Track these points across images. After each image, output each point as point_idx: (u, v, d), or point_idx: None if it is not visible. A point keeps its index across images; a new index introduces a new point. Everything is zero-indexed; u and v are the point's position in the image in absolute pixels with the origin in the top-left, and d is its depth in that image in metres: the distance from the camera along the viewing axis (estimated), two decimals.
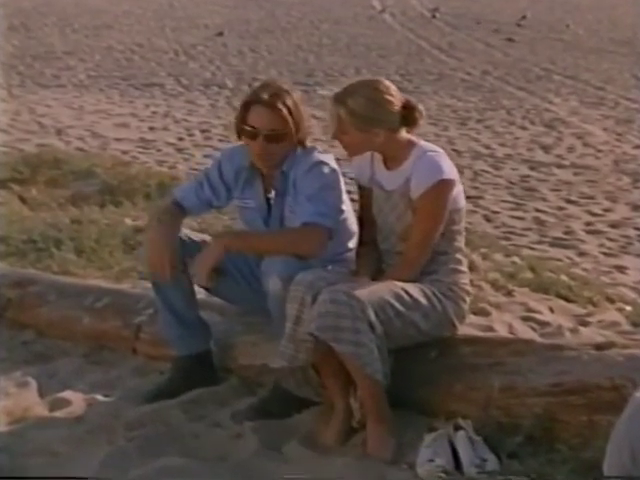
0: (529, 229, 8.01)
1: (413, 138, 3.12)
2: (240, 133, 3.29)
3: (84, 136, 10.98)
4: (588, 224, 8.12)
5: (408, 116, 3.07)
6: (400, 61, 18.04)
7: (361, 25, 24.44)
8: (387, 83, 3.09)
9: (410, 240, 3.07)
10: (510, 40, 21.49)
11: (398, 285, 3.03)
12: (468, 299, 3.17)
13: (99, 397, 3.41)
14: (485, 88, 15.30)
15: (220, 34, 21.84)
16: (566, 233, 7.84)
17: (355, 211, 3.39)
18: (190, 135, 11.30)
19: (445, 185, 3.02)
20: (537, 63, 18.21)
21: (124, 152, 10.06)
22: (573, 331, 3.90)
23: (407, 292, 3.01)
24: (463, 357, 3.07)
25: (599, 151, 11.02)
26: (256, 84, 3.43)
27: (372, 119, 3.03)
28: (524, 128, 12.24)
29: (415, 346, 3.09)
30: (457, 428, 2.86)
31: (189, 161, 9.87)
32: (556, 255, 7.19)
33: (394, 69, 16.95)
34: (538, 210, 8.54)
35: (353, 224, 3.40)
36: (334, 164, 3.30)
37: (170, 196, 3.56)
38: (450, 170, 3.05)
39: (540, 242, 7.62)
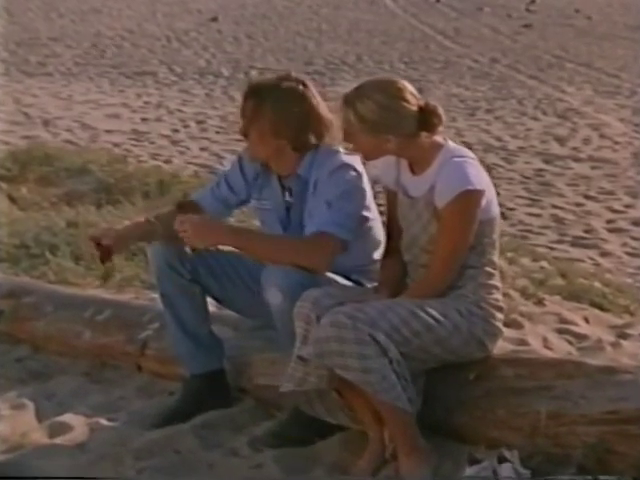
0: (547, 227, 7.92)
1: (439, 139, 2.95)
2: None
3: (73, 127, 10.92)
4: (609, 222, 8.03)
5: (425, 121, 2.90)
6: (404, 48, 17.97)
7: (362, 10, 24.37)
8: (402, 85, 2.92)
9: (435, 254, 2.91)
10: (527, 26, 21.37)
11: (416, 302, 2.87)
12: (500, 316, 3.00)
13: (103, 421, 3.30)
14: (494, 76, 15.20)
15: (214, 19, 21.84)
16: (587, 231, 7.76)
17: (383, 218, 3.24)
18: (185, 127, 11.25)
19: (471, 196, 2.85)
20: (548, 50, 18.13)
21: (116, 144, 9.98)
22: (614, 345, 3.76)
23: (426, 310, 2.85)
24: (505, 380, 2.93)
25: (616, 143, 10.94)
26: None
27: (382, 125, 2.87)
28: (536, 119, 12.15)
29: (450, 367, 2.95)
30: (502, 460, 2.72)
31: (185, 154, 9.81)
32: (578, 256, 7.10)
33: (397, 56, 16.88)
34: (555, 206, 8.46)
35: (379, 233, 3.27)
36: (360, 167, 3.16)
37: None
38: (478, 179, 2.88)
39: (560, 241, 7.54)
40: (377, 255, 3.27)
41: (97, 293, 4.13)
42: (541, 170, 9.70)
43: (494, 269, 2.99)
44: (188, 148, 10.10)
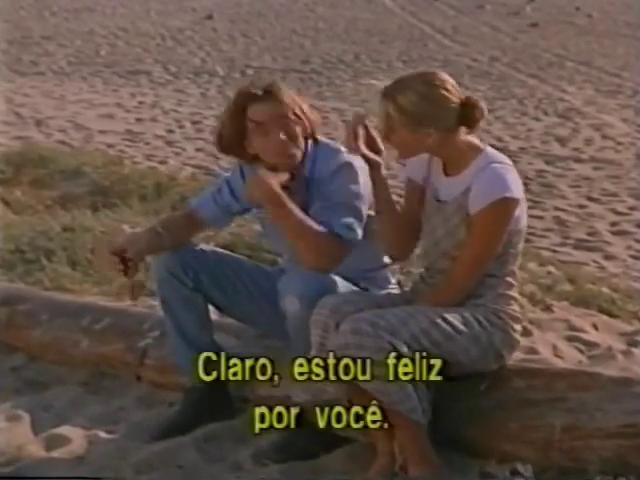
0: (550, 230, 7.88)
1: (478, 143, 2.89)
2: (241, 140, 3.12)
3: (66, 128, 10.88)
4: (613, 224, 7.99)
5: (467, 115, 2.82)
6: (402, 47, 17.94)
7: (359, 8, 24.33)
8: (443, 77, 2.85)
9: (459, 260, 2.86)
10: (533, 25, 21.36)
11: (436, 311, 2.83)
12: (518, 327, 2.95)
13: (101, 433, 3.25)
14: (494, 75, 15.16)
15: (209, 17, 21.80)
16: (590, 234, 7.73)
17: None
18: (180, 127, 11.21)
19: (508, 203, 2.79)
20: (548, 48, 18.09)
21: (109, 145, 9.95)
22: (626, 354, 3.72)
23: (446, 319, 2.81)
24: (517, 391, 2.88)
25: (619, 144, 10.90)
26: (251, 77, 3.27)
27: (424, 117, 2.79)
28: (537, 119, 12.12)
29: (460, 378, 2.90)
30: (514, 473, 2.68)
31: (180, 155, 9.77)
32: (581, 259, 7.07)
33: (396, 55, 16.85)
34: (558, 208, 8.42)
35: None
36: (361, 163, 3.11)
37: (184, 207, 3.46)
38: (516, 187, 2.82)
39: (563, 244, 7.50)
40: (386, 259, 3.24)
41: (95, 300, 4.09)
42: (543, 171, 9.67)
43: (514, 280, 2.95)
44: (184, 149, 10.06)
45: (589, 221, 8.07)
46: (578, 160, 10.14)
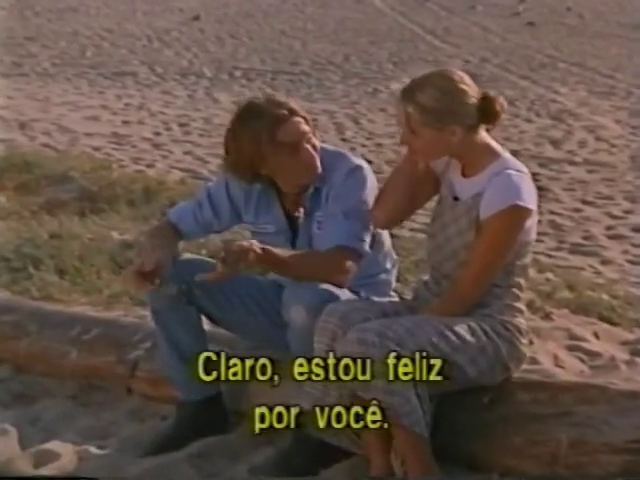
0: (545, 234, 7.85)
1: (497, 147, 2.84)
2: (267, 160, 3.04)
3: (51, 131, 10.81)
4: (609, 228, 7.97)
5: (488, 109, 2.77)
6: (392, 48, 17.94)
7: (348, 8, 24.33)
8: (460, 72, 2.81)
9: (466, 269, 2.82)
10: (531, 24, 21.39)
11: (443, 321, 2.79)
12: (525, 340, 2.92)
13: (92, 449, 3.19)
14: (485, 77, 15.13)
15: (196, 18, 21.77)
16: (585, 238, 7.70)
17: None
18: (167, 129, 11.15)
19: (520, 212, 2.76)
20: (540, 49, 18.11)
21: (95, 148, 9.90)
22: (629, 364, 3.69)
23: (453, 330, 2.78)
24: (522, 405, 2.85)
25: (613, 146, 10.89)
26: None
27: (447, 113, 2.75)
28: (530, 121, 12.10)
29: (463, 391, 2.87)
30: None
31: (168, 158, 9.73)
32: (577, 263, 7.03)
33: (386, 56, 16.85)
34: (552, 212, 8.40)
35: (388, 239, 3.23)
36: (367, 165, 3.13)
37: (164, 217, 3.39)
38: (530, 197, 2.78)
39: (559, 249, 7.47)
40: (389, 264, 3.22)
41: (84, 310, 4.04)
42: (536, 174, 9.62)
43: (521, 292, 2.91)
44: (171, 152, 10.01)
45: (584, 225, 8.04)
46: (572, 163, 10.13)
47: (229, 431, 3.23)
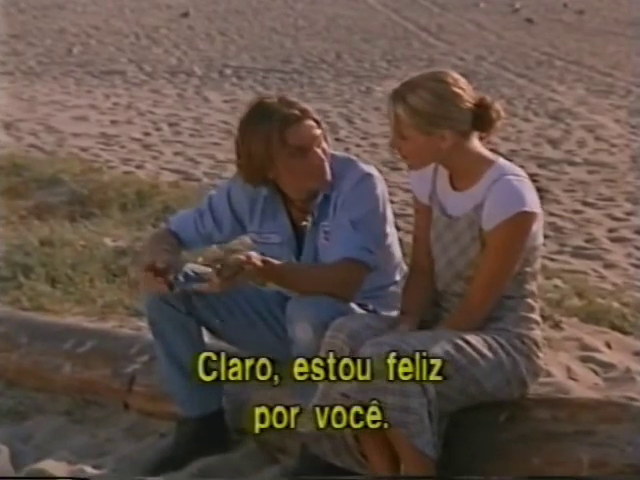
0: (546, 237, 7.75)
1: (489, 154, 2.79)
2: (275, 162, 2.97)
3: (37, 131, 10.78)
4: (611, 230, 7.93)
5: (482, 116, 2.71)
6: (385, 45, 17.96)
7: (340, 5, 24.36)
8: (455, 75, 2.74)
9: (475, 281, 2.76)
10: (529, 21, 21.41)
11: (459, 334, 2.73)
12: (541, 354, 2.87)
13: (87, 468, 3.14)
14: (481, 75, 15.11)
15: (185, 15, 21.80)
16: (587, 241, 7.66)
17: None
18: (157, 129, 11.10)
19: (526, 218, 2.71)
20: (536, 47, 18.11)
21: (83, 149, 9.87)
22: None
23: (470, 343, 2.72)
24: (540, 423, 2.80)
25: (613, 146, 10.88)
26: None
27: (438, 117, 2.68)
28: (528, 120, 12.08)
29: (477, 408, 2.81)
30: None
31: (158, 159, 9.70)
32: (580, 267, 6.98)
33: (379, 54, 16.85)
34: (553, 214, 8.35)
35: (398, 249, 3.17)
36: (377, 173, 3.07)
37: (165, 225, 3.36)
38: (533, 201, 2.75)
39: (560, 252, 7.42)
40: (398, 276, 3.16)
41: (77, 321, 3.99)
42: (535, 175, 9.57)
43: (535, 301, 2.85)
44: (161, 152, 9.97)
45: (586, 227, 8.01)
46: (571, 163, 10.10)
47: (231, 449, 3.19)
